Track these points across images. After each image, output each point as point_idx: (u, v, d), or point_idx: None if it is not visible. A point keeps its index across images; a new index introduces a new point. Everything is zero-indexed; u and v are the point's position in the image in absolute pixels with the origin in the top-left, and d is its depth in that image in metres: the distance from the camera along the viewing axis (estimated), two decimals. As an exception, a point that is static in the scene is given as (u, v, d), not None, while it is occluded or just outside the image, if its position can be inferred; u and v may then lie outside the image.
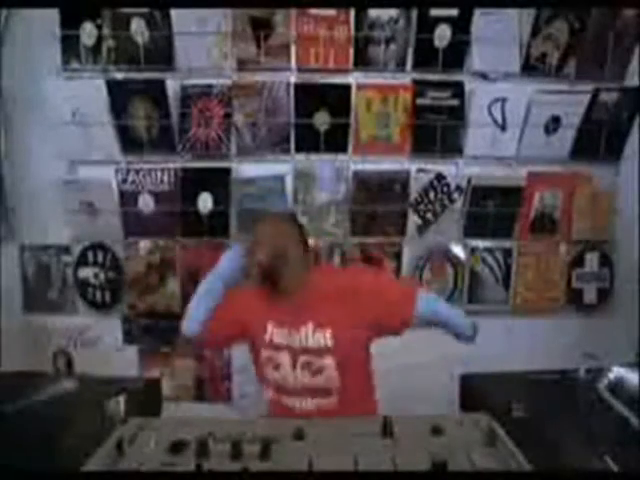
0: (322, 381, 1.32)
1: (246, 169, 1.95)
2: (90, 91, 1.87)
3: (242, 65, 1.88)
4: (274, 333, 1.36)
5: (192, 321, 1.40)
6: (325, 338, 1.31)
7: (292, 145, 1.93)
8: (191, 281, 1.98)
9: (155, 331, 2.04)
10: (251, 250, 1.39)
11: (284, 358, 1.35)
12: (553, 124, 1.94)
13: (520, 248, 2.04)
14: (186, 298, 1.97)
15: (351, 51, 1.87)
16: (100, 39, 1.86)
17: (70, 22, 1.85)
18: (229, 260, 1.44)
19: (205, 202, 1.95)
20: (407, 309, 1.34)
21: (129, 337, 2.05)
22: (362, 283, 1.37)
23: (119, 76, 1.89)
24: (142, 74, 1.88)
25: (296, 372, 1.34)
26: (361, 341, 1.37)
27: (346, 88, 1.89)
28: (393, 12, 1.86)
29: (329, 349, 1.31)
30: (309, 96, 1.89)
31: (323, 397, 1.34)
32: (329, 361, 1.31)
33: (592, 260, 2.06)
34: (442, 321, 1.40)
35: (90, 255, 2.01)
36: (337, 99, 1.89)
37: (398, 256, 2.01)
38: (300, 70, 1.89)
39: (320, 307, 1.32)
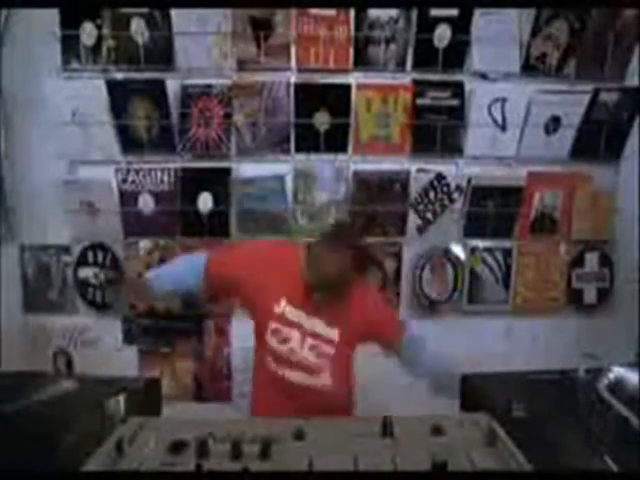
0: (323, 363, 1.41)
1: (246, 169, 1.95)
2: (90, 91, 1.87)
3: (242, 65, 1.88)
4: (287, 310, 1.41)
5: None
6: (333, 333, 1.43)
7: (292, 145, 1.93)
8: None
9: (155, 331, 2.04)
10: (318, 261, 1.38)
11: (294, 334, 1.41)
12: (553, 124, 1.94)
13: (520, 248, 2.04)
14: (186, 298, 1.99)
15: (351, 51, 1.87)
16: (100, 39, 1.86)
17: (70, 22, 1.85)
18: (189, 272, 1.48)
19: (205, 202, 1.95)
20: (396, 337, 1.48)
21: (129, 337, 2.04)
22: (365, 298, 1.48)
23: (119, 76, 1.89)
24: (142, 74, 1.87)
25: (303, 349, 1.41)
26: (355, 342, 1.49)
27: (346, 88, 1.89)
28: (393, 12, 1.86)
29: (333, 342, 1.43)
30: (309, 96, 1.89)
31: (317, 376, 1.42)
32: (332, 351, 1.42)
33: (592, 260, 2.06)
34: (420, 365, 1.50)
35: (90, 255, 2.01)
36: (337, 99, 1.89)
37: (398, 256, 2.01)
38: (300, 70, 1.89)
39: (335, 311, 1.42)
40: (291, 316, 1.41)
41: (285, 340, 1.41)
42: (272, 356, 1.42)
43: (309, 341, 1.42)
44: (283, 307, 1.41)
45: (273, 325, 1.41)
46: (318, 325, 1.42)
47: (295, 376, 1.41)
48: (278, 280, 1.43)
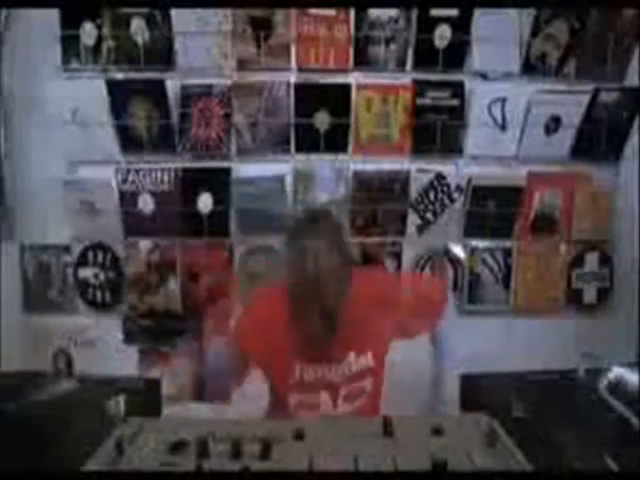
0: (362, 402, 1.25)
1: (246, 169, 1.95)
2: (90, 91, 1.87)
3: (242, 65, 1.88)
4: (305, 372, 1.21)
5: None
6: (367, 360, 1.22)
7: (292, 145, 1.93)
8: (191, 281, 1.99)
9: (155, 331, 2.03)
10: (297, 292, 1.11)
11: (322, 397, 1.22)
12: (553, 124, 1.94)
13: (520, 248, 2.03)
14: (186, 298, 1.99)
15: (351, 51, 1.87)
16: (100, 39, 1.86)
17: (70, 22, 1.85)
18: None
19: (205, 202, 1.95)
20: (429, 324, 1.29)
21: (129, 337, 2.04)
22: (396, 291, 1.28)
23: (119, 76, 1.89)
24: (142, 74, 1.87)
25: (337, 405, 1.23)
26: (388, 343, 1.28)
27: (346, 88, 1.89)
28: (393, 12, 1.86)
29: (370, 369, 1.23)
30: (309, 96, 1.89)
31: (356, 406, 1.26)
32: (369, 381, 1.24)
33: (592, 260, 2.06)
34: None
35: (90, 255, 2.01)
36: (337, 99, 1.89)
37: (398, 256, 2.01)
38: (300, 70, 1.89)
39: (358, 329, 1.17)
40: (311, 377, 1.19)
41: (314, 407, 1.21)
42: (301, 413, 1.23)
43: (343, 392, 1.21)
44: (299, 372, 1.19)
45: (294, 398, 1.21)
46: (350, 364, 1.18)
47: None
48: (281, 343, 1.19)
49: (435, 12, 1.86)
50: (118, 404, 1.15)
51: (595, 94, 1.92)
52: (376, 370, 1.25)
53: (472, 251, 2.03)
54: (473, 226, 2.01)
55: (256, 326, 1.24)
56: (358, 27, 1.86)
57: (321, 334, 1.11)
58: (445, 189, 1.97)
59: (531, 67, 1.91)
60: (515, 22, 1.87)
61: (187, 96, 1.89)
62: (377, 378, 1.27)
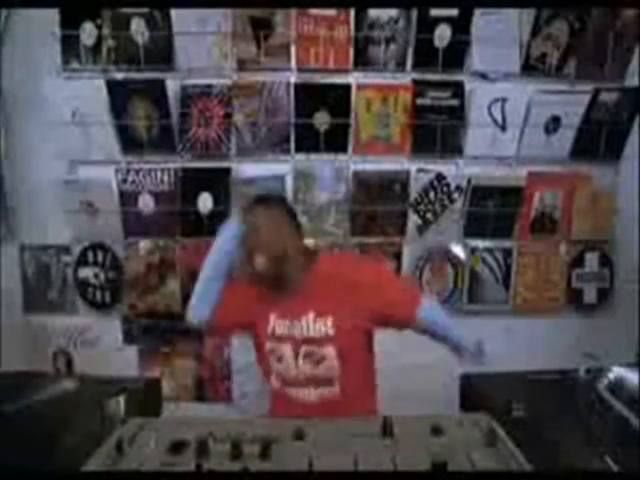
0: (323, 370, 1.33)
1: (246, 169, 1.95)
2: (90, 91, 1.87)
3: (242, 65, 1.88)
4: (276, 324, 1.36)
5: (201, 307, 1.40)
6: (326, 327, 1.32)
7: (292, 145, 1.93)
8: (191, 281, 1.98)
9: (155, 331, 2.04)
10: (247, 251, 1.33)
11: (286, 349, 1.34)
12: (553, 124, 1.94)
13: (520, 248, 2.03)
14: (186, 298, 1.98)
15: (351, 51, 1.87)
16: (100, 39, 1.86)
17: (70, 22, 1.85)
18: (228, 237, 1.39)
19: (205, 202, 1.95)
20: (408, 311, 1.36)
21: (129, 337, 2.05)
22: (364, 274, 1.38)
23: (119, 76, 1.89)
24: (142, 74, 1.87)
25: (298, 363, 1.34)
26: (362, 331, 1.38)
27: (346, 88, 1.89)
28: (393, 12, 1.86)
29: (330, 338, 1.32)
30: (309, 96, 1.89)
31: (325, 386, 1.35)
32: (330, 350, 1.32)
33: (592, 260, 2.06)
34: (441, 334, 1.40)
35: (90, 255, 2.01)
36: (337, 99, 1.89)
37: (398, 256, 2.00)
38: (300, 70, 1.89)
39: (321, 296, 1.32)
40: (280, 329, 1.35)
41: (280, 358, 1.35)
42: (274, 377, 1.39)
43: (302, 349, 1.33)
44: (272, 323, 1.36)
45: (268, 345, 1.37)
46: (307, 324, 1.32)
47: (301, 393, 1.36)
48: (262, 300, 1.37)
49: (435, 12, 1.85)
50: (118, 404, 1.15)
51: (595, 94, 1.92)
52: (338, 342, 1.32)
53: (472, 251, 2.03)
54: (473, 226, 2.01)
55: (231, 311, 1.40)
56: (358, 27, 1.86)
57: (272, 282, 1.33)
58: (445, 189, 1.97)
59: (531, 67, 1.91)
60: (515, 22, 1.87)
61: (187, 96, 1.89)
62: (344, 355, 1.33)
